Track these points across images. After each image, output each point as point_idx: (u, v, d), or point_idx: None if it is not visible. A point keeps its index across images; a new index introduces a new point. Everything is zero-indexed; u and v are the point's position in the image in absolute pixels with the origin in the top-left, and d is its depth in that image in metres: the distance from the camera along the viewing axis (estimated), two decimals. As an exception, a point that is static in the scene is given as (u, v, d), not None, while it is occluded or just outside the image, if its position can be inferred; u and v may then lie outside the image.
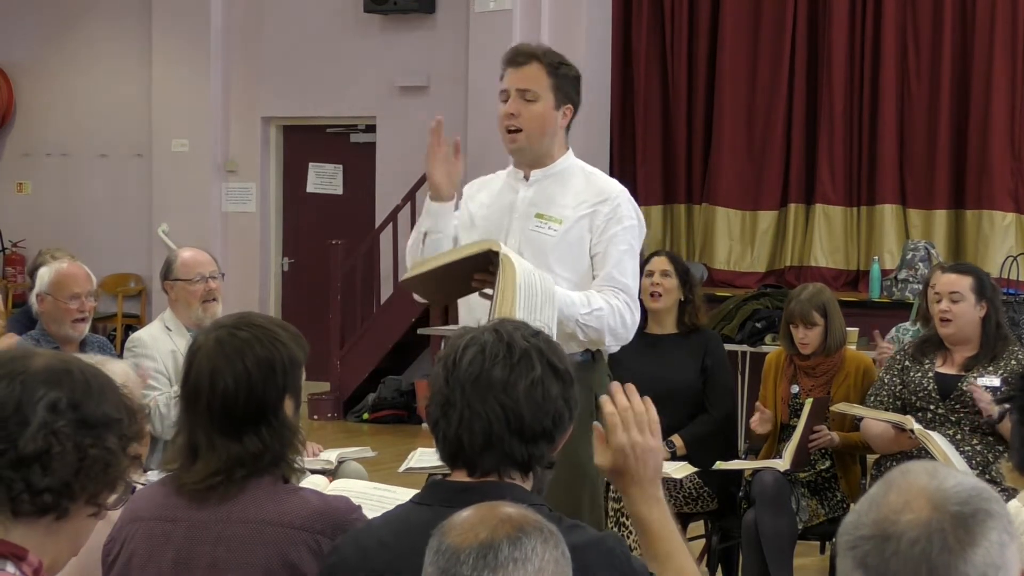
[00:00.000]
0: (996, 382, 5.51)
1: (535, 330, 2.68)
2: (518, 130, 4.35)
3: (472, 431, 2.56)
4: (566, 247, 4.33)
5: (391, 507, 2.77)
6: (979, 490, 1.73)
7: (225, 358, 2.90)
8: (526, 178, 4.42)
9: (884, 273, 10.35)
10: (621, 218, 4.37)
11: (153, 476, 5.12)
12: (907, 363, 5.69)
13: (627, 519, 5.68)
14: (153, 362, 5.74)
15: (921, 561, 1.67)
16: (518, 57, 4.38)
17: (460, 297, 4.26)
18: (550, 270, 4.26)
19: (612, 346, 4.37)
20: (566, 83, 4.39)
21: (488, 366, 2.57)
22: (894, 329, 6.73)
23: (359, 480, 4.53)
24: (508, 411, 2.55)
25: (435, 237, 4.33)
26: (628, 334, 4.38)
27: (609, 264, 4.33)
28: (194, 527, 2.89)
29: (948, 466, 1.77)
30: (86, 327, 5.74)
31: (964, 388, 5.50)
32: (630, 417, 2.65)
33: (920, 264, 9.88)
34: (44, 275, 5.74)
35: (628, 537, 5.63)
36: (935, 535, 1.67)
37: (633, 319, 4.36)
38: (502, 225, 4.39)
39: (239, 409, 2.88)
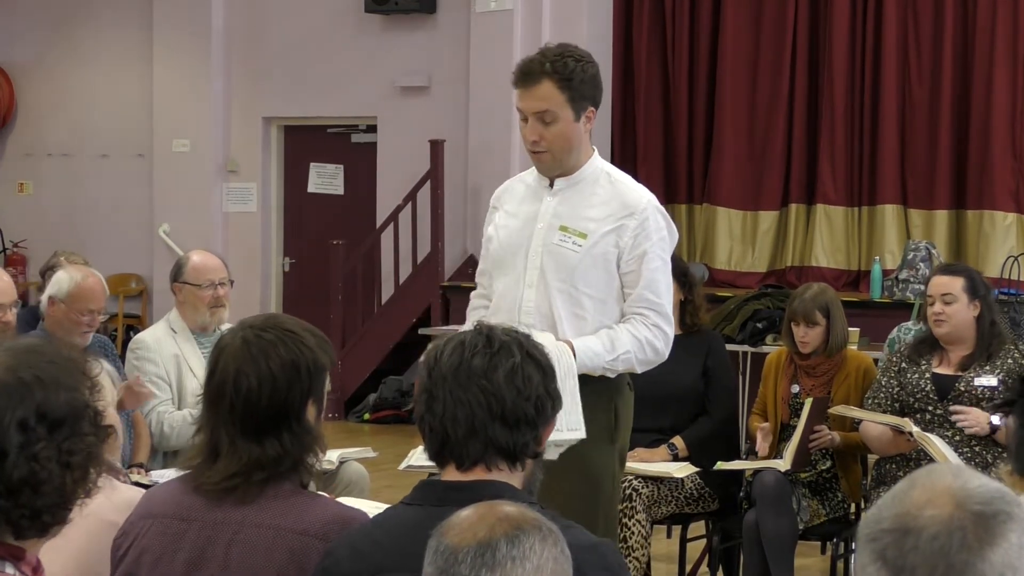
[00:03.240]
0: (994, 381, 5.50)
1: (514, 328, 2.72)
2: (544, 151, 4.22)
3: (456, 420, 2.59)
4: (591, 263, 4.21)
5: None
6: (1002, 492, 1.72)
7: (250, 359, 2.88)
8: (551, 186, 4.31)
9: (885, 273, 10.34)
10: (650, 233, 4.24)
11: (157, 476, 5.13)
12: (904, 364, 5.68)
13: (628, 520, 5.67)
14: (155, 366, 5.73)
15: (940, 557, 1.66)
16: (527, 78, 4.17)
17: None
18: (574, 286, 4.20)
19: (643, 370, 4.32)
20: (582, 88, 4.17)
21: (468, 356, 2.60)
22: (896, 328, 6.72)
23: (361, 500, 4.54)
24: (489, 396, 2.58)
25: None
26: (661, 357, 4.30)
27: (641, 284, 4.21)
28: (208, 528, 2.88)
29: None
30: (91, 336, 5.71)
31: (950, 408, 5.49)
32: None
33: (921, 264, 9.87)
34: (63, 282, 5.60)
35: (629, 538, 5.63)
36: (955, 532, 1.67)
37: (666, 341, 4.26)
38: (525, 236, 4.29)
39: (262, 410, 2.87)
